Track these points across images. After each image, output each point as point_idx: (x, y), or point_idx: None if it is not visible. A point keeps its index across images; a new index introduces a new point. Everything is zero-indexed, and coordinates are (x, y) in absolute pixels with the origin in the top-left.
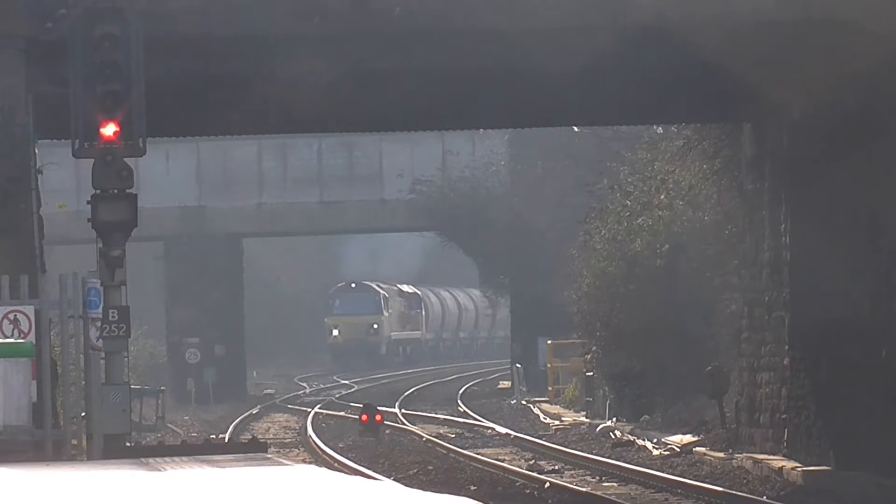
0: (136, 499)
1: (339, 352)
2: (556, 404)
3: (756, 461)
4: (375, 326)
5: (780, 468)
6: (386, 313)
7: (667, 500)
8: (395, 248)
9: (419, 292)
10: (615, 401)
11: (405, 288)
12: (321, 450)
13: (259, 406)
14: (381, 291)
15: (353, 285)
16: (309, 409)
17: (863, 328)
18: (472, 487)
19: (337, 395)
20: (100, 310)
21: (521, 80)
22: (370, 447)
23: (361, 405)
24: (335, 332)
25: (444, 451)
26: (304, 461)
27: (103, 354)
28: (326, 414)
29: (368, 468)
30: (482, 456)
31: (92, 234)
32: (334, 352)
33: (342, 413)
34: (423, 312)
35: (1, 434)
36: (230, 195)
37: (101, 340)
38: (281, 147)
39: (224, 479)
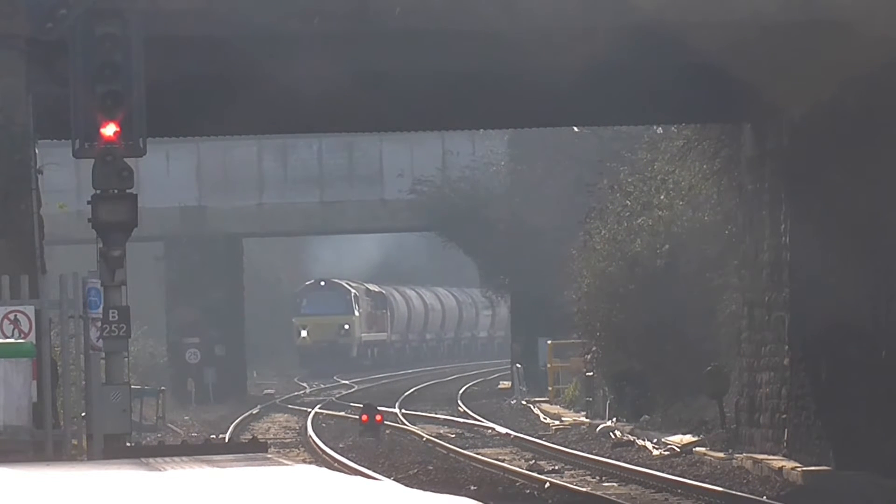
0: (136, 499)
1: (307, 354)
2: (556, 404)
3: (756, 461)
4: (347, 327)
5: (780, 468)
6: (357, 313)
7: (667, 500)
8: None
9: (383, 291)
10: (615, 401)
11: (371, 287)
12: (321, 450)
13: (259, 406)
14: (352, 290)
15: (323, 283)
16: (309, 409)
17: (863, 328)
18: (473, 487)
19: (337, 396)
20: (100, 310)
21: (522, 80)
22: (370, 447)
23: (361, 405)
24: (303, 334)
25: (445, 451)
26: (304, 461)
27: (103, 354)
28: (326, 414)
29: (368, 468)
30: (482, 456)
31: (92, 234)
32: (302, 354)
33: (342, 413)
34: (389, 313)
35: (1, 434)
36: (230, 195)
37: (101, 340)
38: (281, 147)
39: (224, 479)
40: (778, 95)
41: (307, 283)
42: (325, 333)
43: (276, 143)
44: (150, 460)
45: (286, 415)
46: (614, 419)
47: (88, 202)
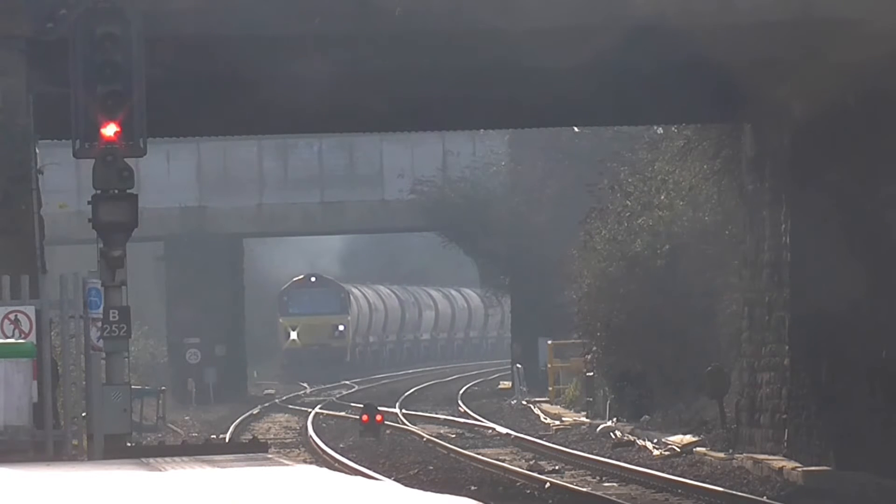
0: (137, 499)
1: (295, 359)
2: (556, 404)
3: (756, 461)
4: (341, 328)
5: (781, 468)
6: (350, 313)
7: (667, 500)
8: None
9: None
10: (615, 401)
11: (344, 285)
12: (322, 450)
13: (259, 406)
14: (344, 287)
15: (314, 279)
16: (309, 410)
17: (863, 328)
18: (473, 487)
19: (337, 396)
20: (100, 310)
21: (522, 80)
22: (371, 447)
23: (362, 405)
24: (293, 336)
25: (445, 452)
26: (304, 461)
27: (104, 354)
28: (327, 414)
29: (369, 468)
30: (483, 456)
31: (93, 234)
32: (290, 359)
33: (343, 413)
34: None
35: (2, 434)
36: (231, 195)
37: (101, 340)
38: (281, 147)
39: (224, 479)
40: (778, 95)
41: (295, 278)
42: (317, 336)
43: (276, 143)
44: (151, 460)
45: (287, 415)
46: (614, 419)
47: (89, 202)
